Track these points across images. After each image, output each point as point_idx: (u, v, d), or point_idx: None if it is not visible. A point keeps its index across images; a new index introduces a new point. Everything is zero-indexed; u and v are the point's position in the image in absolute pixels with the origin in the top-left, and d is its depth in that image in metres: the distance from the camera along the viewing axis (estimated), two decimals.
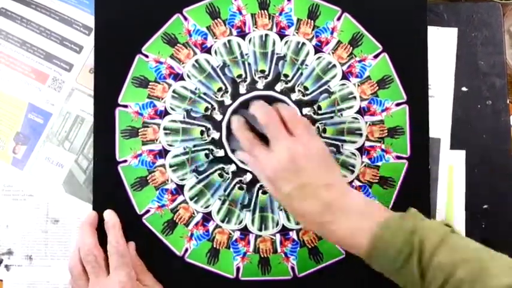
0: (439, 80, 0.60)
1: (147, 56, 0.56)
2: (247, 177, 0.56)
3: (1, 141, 0.57)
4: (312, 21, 0.57)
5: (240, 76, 0.57)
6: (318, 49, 0.57)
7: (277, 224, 0.56)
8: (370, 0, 0.58)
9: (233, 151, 0.55)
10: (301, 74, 0.57)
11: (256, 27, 0.57)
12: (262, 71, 0.57)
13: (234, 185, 0.56)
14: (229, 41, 0.57)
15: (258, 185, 0.56)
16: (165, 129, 0.56)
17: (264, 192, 0.56)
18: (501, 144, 0.60)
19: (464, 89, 0.60)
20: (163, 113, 0.56)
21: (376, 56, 0.58)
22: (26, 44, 0.58)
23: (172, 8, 0.57)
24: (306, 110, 0.57)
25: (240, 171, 0.56)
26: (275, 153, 0.49)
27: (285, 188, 0.48)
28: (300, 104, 0.57)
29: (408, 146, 0.57)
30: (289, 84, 0.57)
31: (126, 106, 0.56)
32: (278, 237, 0.56)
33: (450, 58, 0.60)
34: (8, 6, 0.58)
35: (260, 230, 0.56)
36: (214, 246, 0.56)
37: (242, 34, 0.57)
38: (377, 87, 0.58)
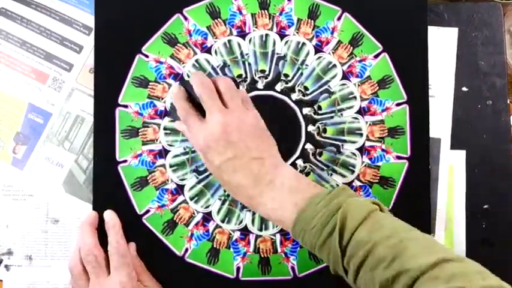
0: (439, 80, 0.60)
1: (147, 56, 0.56)
2: None
3: (1, 141, 0.57)
4: (312, 21, 0.57)
5: (240, 76, 0.57)
6: (318, 49, 0.57)
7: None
8: (370, 0, 0.58)
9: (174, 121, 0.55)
10: (302, 74, 0.57)
11: (256, 27, 0.57)
12: (263, 71, 0.57)
13: None
14: (229, 40, 0.57)
15: None
16: (165, 129, 0.56)
17: None
18: (501, 144, 0.60)
19: (464, 89, 0.60)
20: (164, 113, 0.56)
21: (376, 56, 0.58)
22: (26, 44, 0.58)
23: (172, 8, 0.57)
24: (306, 110, 0.57)
25: None
26: (208, 125, 0.48)
27: (216, 160, 0.48)
28: (300, 104, 0.57)
29: (408, 146, 0.57)
30: (290, 84, 0.57)
31: (126, 106, 0.56)
32: (278, 237, 0.56)
33: (450, 58, 0.60)
34: (8, 6, 0.58)
35: (260, 230, 0.56)
36: (215, 246, 0.56)
37: (242, 34, 0.57)
38: (377, 87, 0.58)
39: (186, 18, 0.57)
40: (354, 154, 0.57)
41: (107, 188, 0.55)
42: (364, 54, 0.58)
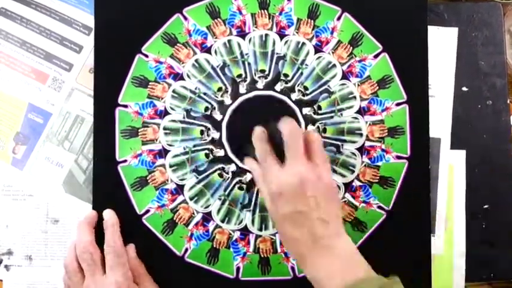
0: (439, 80, 0.60)
1: (147, 56, 0.56)
2: (247, 177, 0.56)
3: (1, 141, 0.57)
4: (312, 21, 0.57)
5: (240, 76, 0.57)
6: (318, 49, 0.57)
7: None
8: (370, 0, 0.58)
9: (242, 158, 0.55)
10: (301, 73, 0.57)
11: (256, 27, 0.57)
12: (262, 71, 0.57)
13: (234, 185, 0.56)
14: (229, 40, 0.57)
15: None
16: (165, 129, 0.56)
17: None
18: (501, 144, 0.60)
19: (464, 88, 0.60)
20: (163, 113, 0.56)
21: (376, 56, 0.58)
22: (26, 44, 0.58)
23: (172, 7, 0.57)
24: (306, 110, 0.57)
25: (240, 171, 0.56)
26: (287, 172, 0.48)
27: (284, 208, 0.47)
28: (300, 103, 0.57)
29: (408, 145, 0.57)
30: (289, 84, 0.57)
31: (126, 106, 0.56)
32: (278, 237, 0.56)
33: (450, 58, 0.60)
34: (8, 6, 0.58)
35: (260, 230, 0.56)
36: (214, 246, 0.56)
37: (242, 34, 0.57)
38: (377, 87, 0.58)
39: (185, 18, 0.57)
40: (353, 154, 0.57)
41: (106, 188, 0.55)
42: (364, 54, 0.58)
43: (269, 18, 0.57)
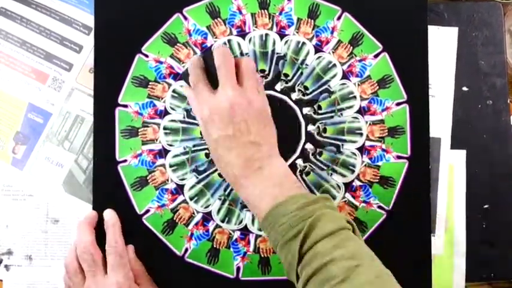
0: (439, 80, 0.60)
1: (147, 56, 0.56)
2: None
3: (1, 141, 0.57)
4: (312, 20, 0.57)
5: None
6: (318, 49, 0.57)
7: None
8: (370, 0, 0.58)
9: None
10: (301, 73, 0.57)
11: (256, 27, 0.57)
12: (263, 71, 0.57)
13: None
14: (229, 40, 0.57)
15: None
16: (165, 128, 0.56)
17: None
18: (501, 144, 0.60)
19: (464, 88, 0.60)
20: (163, 113, 0.56)
21: (376, 56, 0.58)
22: (26, 44, 0.58)
23: (172, 7, 0.57)
24: (306, 110, 0.57)
25: None
26: (217, 98, 0.49)
27: (215, 133, 0.48)
28: (300, 103, 0.57)
29: (408, 145, 0.57)
30: (289, 84, 0.57)
31: (126, 106, 0.56)
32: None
33: (451, 58, 0.60)
34: (8, 6, 0.58)
35: (260, 229, 0.56)
36: (214, 246, 0.56)
37: (242, 34, 0.57)
38: (377, 87, 0.58)
39: (186, 18, 0.57)
40: (354, 154, 0.57)
41: (106, 188, 0.55)
42: (364, 53, 0.58)
43: (269, 18, 0.57)
